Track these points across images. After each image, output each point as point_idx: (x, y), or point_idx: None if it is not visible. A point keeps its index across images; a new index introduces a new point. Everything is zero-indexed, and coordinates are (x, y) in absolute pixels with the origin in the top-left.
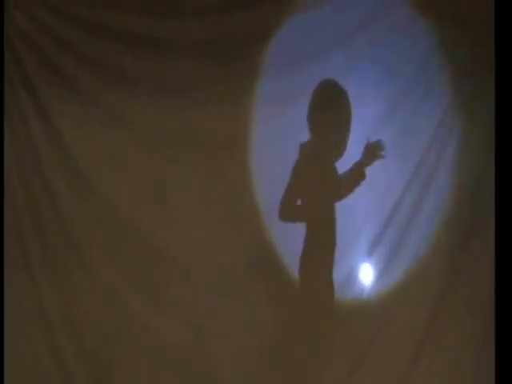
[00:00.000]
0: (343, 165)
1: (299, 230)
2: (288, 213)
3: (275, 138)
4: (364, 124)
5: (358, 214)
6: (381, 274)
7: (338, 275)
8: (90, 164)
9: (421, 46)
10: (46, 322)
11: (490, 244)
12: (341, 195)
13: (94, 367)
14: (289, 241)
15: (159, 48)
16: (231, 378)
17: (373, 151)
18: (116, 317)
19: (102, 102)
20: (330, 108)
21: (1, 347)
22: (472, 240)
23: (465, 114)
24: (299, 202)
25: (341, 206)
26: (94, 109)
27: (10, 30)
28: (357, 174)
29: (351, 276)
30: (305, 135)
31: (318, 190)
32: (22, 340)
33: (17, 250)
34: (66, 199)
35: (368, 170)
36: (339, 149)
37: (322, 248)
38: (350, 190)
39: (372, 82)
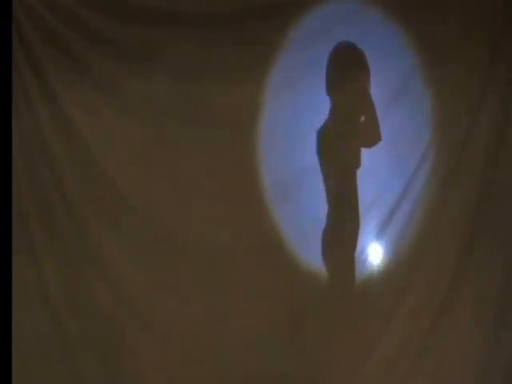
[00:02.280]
0: None
1: (305, 211)
2: None
3: (285, 118)
4: None
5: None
6: (389, 256)
7: None
8: (99, 147)
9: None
10: (50, 303)
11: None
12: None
13: (97, 348)
14: (295, 222)
15: (173, 25)
16: (232, 359)
17: None
18: (120, 298)
19: (112, 82)
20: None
21: (8, 330)
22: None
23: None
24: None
25: None
26: (103, 90)
27: (16, 8)
28: None
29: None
30: (315, 115)
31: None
32: (27, 322)
33: (23, 238)
34: (72, 182)
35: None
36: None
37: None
38: None
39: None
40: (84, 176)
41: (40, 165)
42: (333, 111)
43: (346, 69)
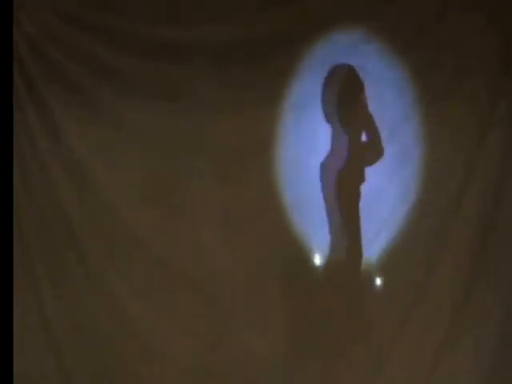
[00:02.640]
0: None
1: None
2: None
3: (297, 145)
4: None
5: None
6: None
7: None
8: (102, 178)
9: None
10: (49, 327)
11: None
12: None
13: (95, 370)
14: (297, 247)
15: (177, 53)
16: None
17: None
18: (118, 322)
19: (115, 115)
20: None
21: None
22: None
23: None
24: None
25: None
26: (106, 123)
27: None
28: None
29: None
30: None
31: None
32: (27, 349)
33: (24, 266)
34: (73, 208)
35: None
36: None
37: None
38: None
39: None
40: (85, 204)
41: (41, 195)
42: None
43: (345, 92)
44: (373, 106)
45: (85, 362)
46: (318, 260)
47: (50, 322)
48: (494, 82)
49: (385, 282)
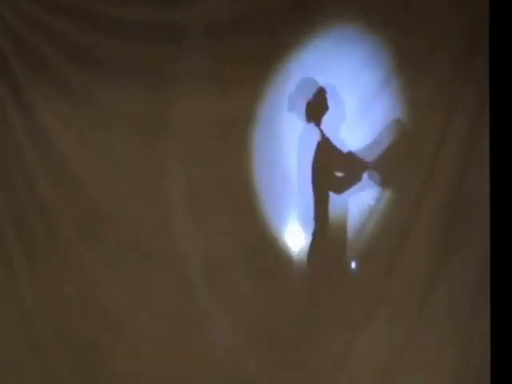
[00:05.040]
0: None
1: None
2: None
3: (274, 133)
4: None
5: None
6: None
7: None
8: (75, 159)
9: None
10: (25, 310)
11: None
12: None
13: (75, 361)
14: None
15: (164, 33)
16: (211, 372)
17: None
18: (94, 303)
19: (87, 94)
20: None
21: None
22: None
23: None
24: None
25: None
26: (79, 102)
27: None
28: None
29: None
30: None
31: None
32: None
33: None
34: (48, 191)
35: None
36: None
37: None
38: None
39: None
40: (60, 187)
41: (16, 179)
42: None
43: None
44: (347, 76)
45: (57, 338)
46: (287, 245)
47: (28, 312)
48: (465, 59)
49: (357, 261)
